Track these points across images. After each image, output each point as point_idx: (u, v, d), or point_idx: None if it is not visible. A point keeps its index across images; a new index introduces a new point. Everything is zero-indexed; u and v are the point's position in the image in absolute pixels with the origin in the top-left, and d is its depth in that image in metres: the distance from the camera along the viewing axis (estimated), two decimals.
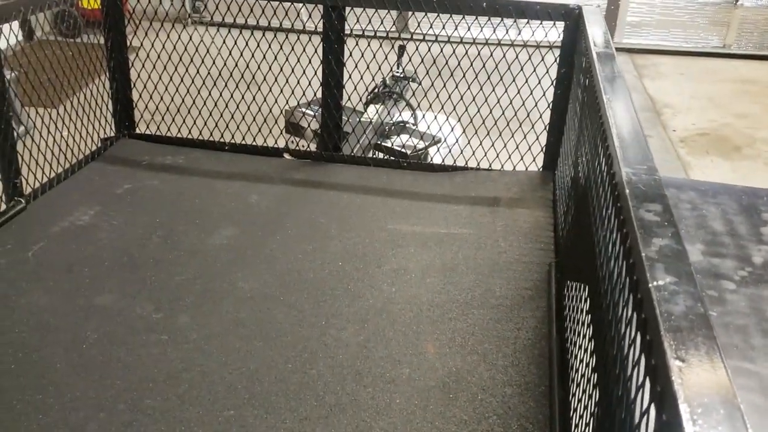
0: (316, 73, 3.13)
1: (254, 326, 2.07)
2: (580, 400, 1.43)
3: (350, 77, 3.12)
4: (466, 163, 3.13)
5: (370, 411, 1.76)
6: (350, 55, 3.07)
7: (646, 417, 0.83)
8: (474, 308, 2.16)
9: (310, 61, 3.10)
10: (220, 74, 3.15)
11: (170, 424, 1.71)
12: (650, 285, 0.94)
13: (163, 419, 1.72)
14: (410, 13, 2.96)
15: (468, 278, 2.31)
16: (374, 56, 3.04)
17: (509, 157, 3.10)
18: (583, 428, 1.37)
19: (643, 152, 1.42)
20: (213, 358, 1.94)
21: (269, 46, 3.06)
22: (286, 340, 2.01)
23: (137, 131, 3.37)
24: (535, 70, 2.95)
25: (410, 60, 3.62)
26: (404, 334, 2.04)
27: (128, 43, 3.27)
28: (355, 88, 3.21)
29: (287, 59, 3.11)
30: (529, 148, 3.07)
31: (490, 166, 3.12)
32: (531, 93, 2.97)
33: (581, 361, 1.48)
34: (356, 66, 3.07)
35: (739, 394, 1.09)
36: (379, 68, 3.16)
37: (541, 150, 3.06)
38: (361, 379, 1.86)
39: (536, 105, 2.93)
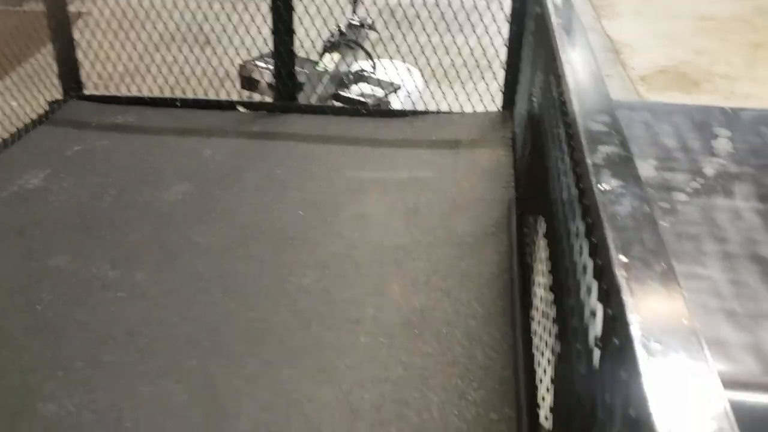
0: (266, 22, 3.05)
1: (214, 279, 2.04)
2: (539, 322, 1.43)
3: (302, 23, 3.04)
4: (427, 109, 3.09)
5: (334, 351, 1.74)
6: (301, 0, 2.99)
7: (593, 317, 0.82)
8: (437, 248, 2.15)
9: (259, 10, 3.01)
10: (171, 35, 3.05)
11: (130, 378, 1.68)
12: (595, 189, 0.92)
13: (123, 373, 1.69)
14: None
15: (430, 220, 2.29)
16: (326, 2, 2.97)
17: (469, 100, 3.07)
18: (543, 349, 1.37)
19: (593, 72, 1.40)
20: (172, 312, 1.91)
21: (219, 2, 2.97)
22: (246, 291, 1.98)
23: (85, 93, 3.26)
24: (489, 9, 2.91)
25: (366, 9, 3.55)
26: (367, 277, 2.02)
27: (72, 8, 3.15)
28: (308, 36, 3.13)
29: (237, 12, 3.02)
30: (488, 89, 3.04)
31: (450, 110, 3.08)
32: (486, 31, 2.93)
33: (540, 285, 1.47)
34: (307, 12, 2.99)
35: (690, 297, 1.09)
36: (332, 14, 3.08)
37: (500, 90, 3.03)
38: (324, 322, 1.84)
39: (493, 45, 2.90)
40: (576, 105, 1.21)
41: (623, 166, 0.99)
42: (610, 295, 0.78)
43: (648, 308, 0.72)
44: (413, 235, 2.22)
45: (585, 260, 0.93)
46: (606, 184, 0.93)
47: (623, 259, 0.79)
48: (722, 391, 0.63)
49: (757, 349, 0.93)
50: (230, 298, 1.95)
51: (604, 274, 0.82)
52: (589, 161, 0.99)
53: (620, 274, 0.77)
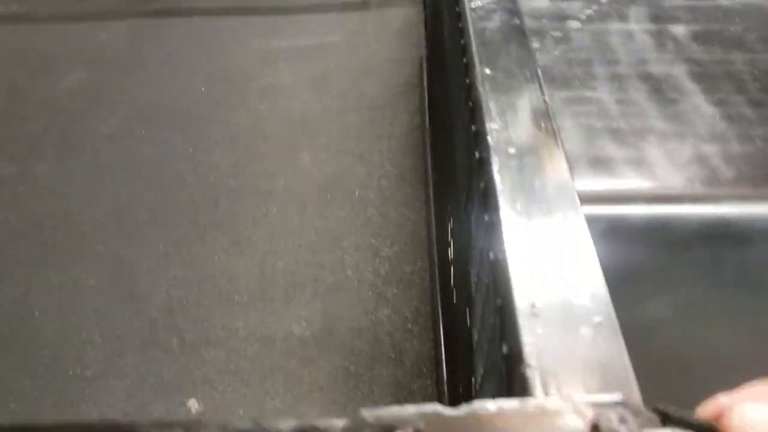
0: None
1: (118, 164, 1.95)
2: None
3: None
4: None
5: (246, 224, 1.71)
6: None
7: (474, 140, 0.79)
8: (348, 113, 2.09)
9: None
10: None
11: (36, 269, 1.62)
12: (467, 7, 0.87)
13: (28, 265, 1.63)
14: None
15: (341, 85, 2.22)
16: None
17: None
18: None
19: None
20: (77, 201, 1.83)
21: None
22: (152, 173, 1.90)
23: None
24: None
25: None
26: (277, 148, 1.96)
27: None
28: None
29: None
30: None
31: None
32: None
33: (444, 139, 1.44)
34: None
35: (576, 120, 1.07)
36: None
37: None
38: (235, 197, 1.80)
39: None
40: None
41: None
42: (475, 112, 0.74)
43: (508, 117, 0.69)
44: (323, 102, 2.15)
45: (462, 85, 0.89)
46: (477, 2, 0.87)
47: (487, 71, 0.75)
48: (576, 202, 0.60)
49: (639, 162, 0.92)
50: (136, 181, 1.87)
51: (471, 91, 0.78)
52: None
53: (483, 88, 0.73)
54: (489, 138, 0.66)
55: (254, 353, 1.42)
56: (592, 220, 0.90)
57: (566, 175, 0.60)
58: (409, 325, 1.48)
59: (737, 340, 0.87)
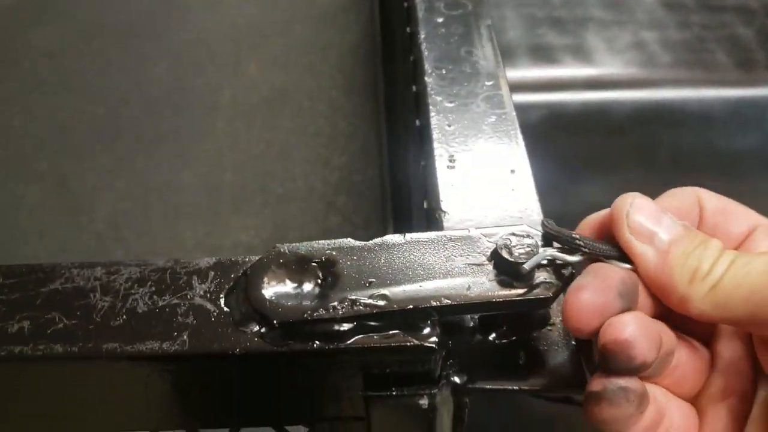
0: None
1: (58, 80, 1.88)
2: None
3: None
4: None
5: (192, 138, 1.67)
6: None
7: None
8: (296, 23, 2.03)
9: None
10: None
11: None
12: None
13: None
14: None
15: None
16: None
17: None
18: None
19: None
20: (17, 118, 1.77)
21: None
22: (94, 88, 1.84)
23: None
24: None
25: None
26: (223, 61, 1.91)
27: None
28: None
29: None
30: None
31: None
32: None
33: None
34: None
35: (518, 11, 1.06)
36: None
37: None
38: (179, 111, 1.75)
39: None
40: None
41: None
42: (410, 14, 0.72)
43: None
44: (269, 13, 2.08)
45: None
46: None
47: None
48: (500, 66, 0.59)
49: (578, 49, 0.92)
50: (78, 97, 1.81)
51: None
52: None
53: None
54: (419, 13, 0.64)
55: None
56: (532, 107, 0.90)
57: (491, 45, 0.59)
58: (360, 233, 1.49)
59: None
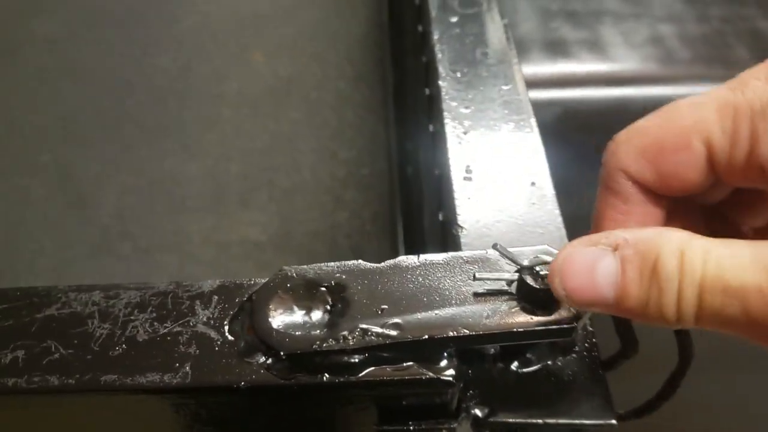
0: None
1: (60, 69, 1.86)
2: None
3: None
4: None
5: (197, 128, 1.65)
6: None
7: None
8: (302, 10, 2.00)
9: None
10: None
11: None
12: None
13: None
14: None
15: None
16: None
17: None
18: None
19: None
20: (19, 107, 1.75)
21: None
22: (97, 77, 1.82)
23: None
24: None
25: None
26: (228, 49, 1.88)
27: None
28: None
29: None
30: None
31: None
32: None
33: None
34: None
35: (532, 3, 1.03)
36: None
37: None
38: (184, 100, 1.73)
39: None
40: None
41: None
42: (422, 12, 0.70)
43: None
44: None
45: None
46: None
47: None
48: (517, 66, 0.57)
49: (594, 44, 0.89)
50: (81, 86, 1.79)
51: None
52: None
53: None
54: (431, 11, 0.62)
55: (209, 259, 1.39)
56: (547, 104, 0.87)
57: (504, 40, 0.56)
58: (368, 227, 1.47)
59: None
